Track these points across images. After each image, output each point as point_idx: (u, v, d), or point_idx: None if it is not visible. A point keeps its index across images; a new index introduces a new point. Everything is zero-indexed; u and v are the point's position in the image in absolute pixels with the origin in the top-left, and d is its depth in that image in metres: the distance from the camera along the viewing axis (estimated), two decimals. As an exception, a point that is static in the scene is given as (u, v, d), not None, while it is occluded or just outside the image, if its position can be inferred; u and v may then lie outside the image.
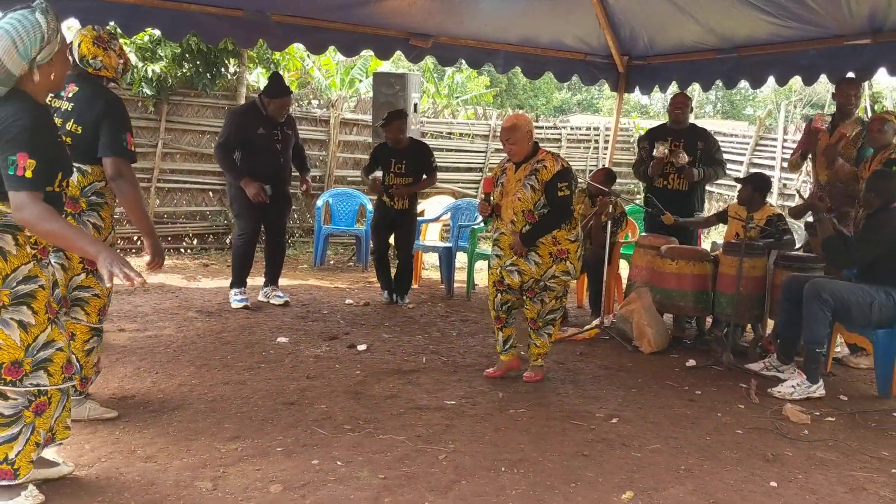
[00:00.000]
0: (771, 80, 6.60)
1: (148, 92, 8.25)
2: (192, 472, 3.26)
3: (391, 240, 6.92)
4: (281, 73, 9.22)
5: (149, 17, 6.44)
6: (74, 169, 3.54)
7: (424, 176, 6.76)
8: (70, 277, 3.63)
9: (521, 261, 4.57)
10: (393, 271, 6.98)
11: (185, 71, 8.51)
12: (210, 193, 9.13)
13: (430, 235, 8.26)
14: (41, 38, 2.67)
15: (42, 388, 2.83)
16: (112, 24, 6.62)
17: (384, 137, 6.69)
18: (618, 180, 7.12)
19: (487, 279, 4.79)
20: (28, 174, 2.61)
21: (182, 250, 8.99)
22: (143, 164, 8.69)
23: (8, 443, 2.79)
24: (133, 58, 7.98)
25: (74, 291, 3.63)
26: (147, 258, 3.76)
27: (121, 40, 3.81)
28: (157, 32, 7.69)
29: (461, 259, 7.81)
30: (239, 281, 6.40)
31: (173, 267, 8.02)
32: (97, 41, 3.76)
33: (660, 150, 6.24)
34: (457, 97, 14.99)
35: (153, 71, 8.05)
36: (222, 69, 8.80)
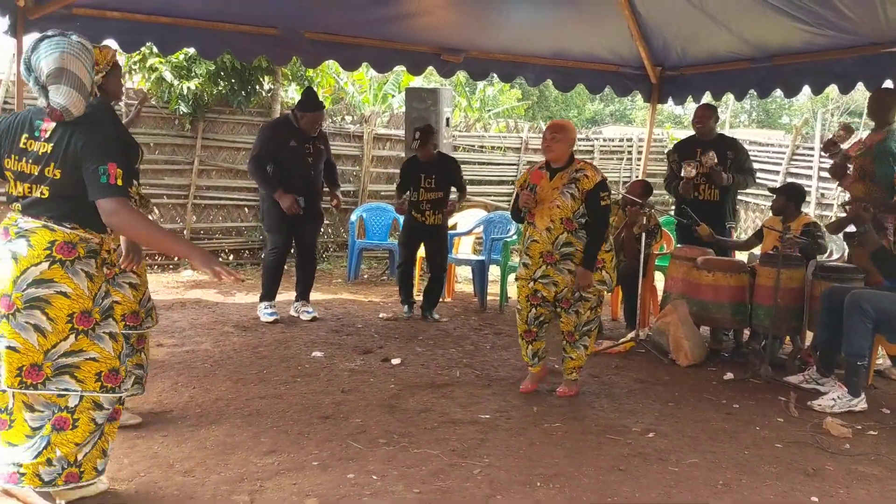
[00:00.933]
0: (806, 88, 6.53)
1: (184, 110, 8.38)
2: (229, 486, 3.29)
3: (420, 254, 6.92)
4: (314, 88, 9.34)
5: (184, 37, 6.56)
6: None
7: (455, 191, 6.78)
8: (142, 293, 3.90)
9: (554, 271, 4.52)
10: (422, 285, 6.98)
11: (220, 88, 8.64)
12: (245, 209, 9.24)
13: (463, 248, 8.27)
14: (92, 57, 2.97)
15: (119, 396, 3.05)
16: (149, 43, 6.77)
17: (416, 152, 6.70)
18: (653, 191, 7.07)
19: (518, 293, 4.71)
20: (119, 182, 2.85)
21: (218, 265, 9.08)
22: (179, 181, 8.83)
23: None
24: (169, 76, 8.12)
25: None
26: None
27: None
28: (192, 51, 7.82)
29: (494, 272, 7.81)
30: (268, 294, 6.46)
31: (209, 282, 8.11)
32: None
33: (687, 171, 6.16)
34: (488, 110, 15.02)
35: (188, 89, 8.18)
36: (257, 86, 8.92)
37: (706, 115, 6.45)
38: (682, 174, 6.21)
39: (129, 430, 3.82)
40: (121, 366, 3.01)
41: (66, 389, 2.90)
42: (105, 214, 2.85)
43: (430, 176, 6.58)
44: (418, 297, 7.01)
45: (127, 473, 3.36)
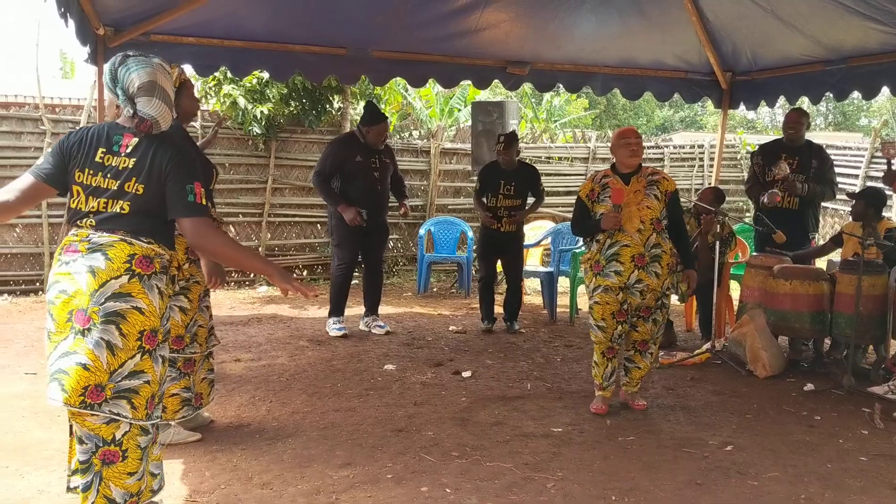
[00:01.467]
0: (885, 90, 6.31)
1: (257, 131, 8.61)
2: (306, 498, 3.35)
3: (499, 266, 6.94)
4: (381, 105, 9.47)
5: (257, 59, 6.75)
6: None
7: (531, 199, 6.78)
8: (191, 318, 3.91)
9: (645, 274, 4.43)
10: (500, 297, 6.99)
11: (291, 109, 8.84)
12: (318, 226, 9.41)
13: (531, 260, 8.25)
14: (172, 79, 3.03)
15: (159, 420, 2.94)
16: (223, 67, 6.98)
17: (498, 157, 6.71)
18: (726, 199, 6.93)
19: (599, 310, 4.50)
20: (203, 202, 2.89)
21: (292, 281, 9.27)
22: (253, 200, 9.05)
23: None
24: (242, 101, 8.34)
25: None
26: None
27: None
28: (266, 75, 8.02)
29: (563, 284, 7.76)
30: (336, 310, 6.55)
31: (283, 297, 8.29)
32: None
33: (781, 168, 5.99)
34: (555, 121, 14.96)
35: (262, 112, 8.40)
36: (327, 106, 9.09)
37: (800, 122, 6.25)
38: (764, 200, 6.04)
39: (211, 444, 3.94)
40: (159, 392, 2.89)
41: (118, 415, 2.72)
42: (190, 233, 2.86)
43: (509, 183, 6.61)
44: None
45: (208, 486, 3.46)
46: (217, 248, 2.97)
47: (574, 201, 4.85)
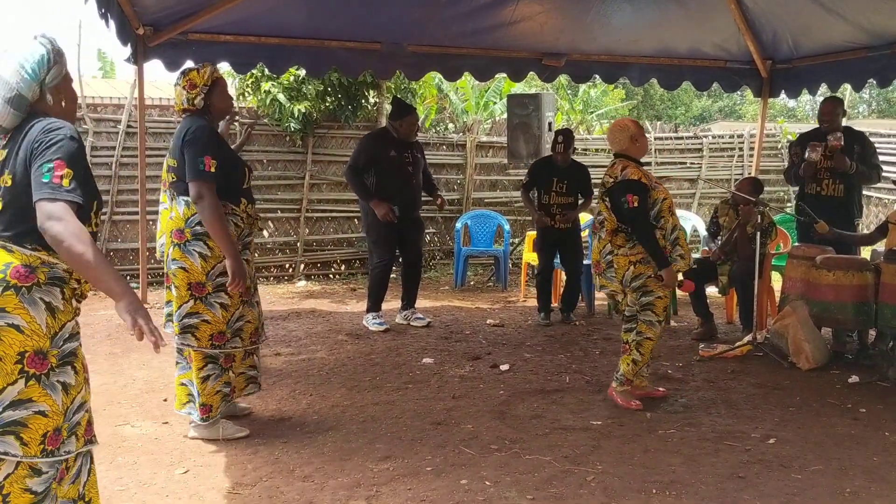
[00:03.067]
0: (931, 75, 6.18)
1: (295, 127, 8.67)
2: (347, 490, 3.39)
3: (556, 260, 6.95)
4: (415, 99, 9.49)
5: (292, 56, 6.81)
6: (182, 201, 3.85)
7: (582, 197, 6.80)
8: (231, 314, 3.92)
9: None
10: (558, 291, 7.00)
11: (328, 105, 8.89)
12: (355, 221, 9.46)
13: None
14: (47, 62, 2.45)
15: (69, 455, 2.45)
16: (259, 64, 7.05)
17: (556, 155, 6.69)
18: (766, 188, 6.82)
19: (660, 304, 4.45)
20: (67, 183, 2.32)
21: (331, 276, 9.35)
22: (291, 195, 9.13)
23: None
24: (282, 97, 8.41)
25: (184, 319, 3.85)
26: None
27: (193, 73, 3.91)
28: (302, 73, 8.08)
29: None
30: (375, 306, 6.59)
31: (322, 292, 8.36)
32: (174, 84, 4.02)
33: (811, 155, 5.87)
34: (591, 112, 14.84)
35: (299, 111, 8.46)
36: (362, 101, 9.13)
37: (834, 112, 6.09)
38: (806, 156, 5.91)
39: (253, 437, 3.99)
40: (64, 424, 2.41)
41: (4, 453, 2.31)
42: (39, 218, 2.30)
43: (562, 181, 6.63)
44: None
45: (250, 479, 3.51)
46: (65, 247, 2.28)
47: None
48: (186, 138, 3.80)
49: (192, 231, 3.80)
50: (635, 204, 4.31)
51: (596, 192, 5.42)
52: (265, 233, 9.06)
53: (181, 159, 3.82)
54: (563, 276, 7.20)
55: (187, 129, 3.83)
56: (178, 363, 4.02)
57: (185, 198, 3.82)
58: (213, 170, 3.74)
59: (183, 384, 4.01)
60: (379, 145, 6.37)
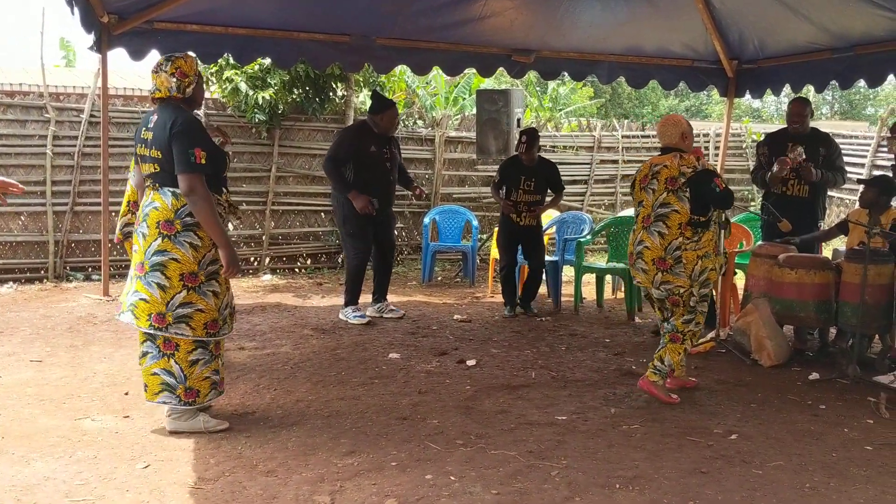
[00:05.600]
0: (891, 78, 6.28)
1: (260, 118, 8.59)
2: (310, 486, 3.36)
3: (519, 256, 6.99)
4: (384, 93, 9.45)
5: (260, 47, 6.74)
6: (169, 192, 3.80)
7: (551, 193, 6.86)
8: (222, 301, 3.96)
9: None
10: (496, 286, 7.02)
11: (294, 97, 8.82)
12: (322, 214, 9.41)
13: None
14: None
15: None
16: (226, 55, 6.97)
17: (521, 155, 6.73)
18: (731, 188, 6.86)
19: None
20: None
21: (296, 270, 9.28)
22: (257, 188, 9.05)
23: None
24: (244, 86, 8.32)
25: (178, 309, 3.81)
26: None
27: (181, 62, 3.88)
28: (268, 61, 8.00)
29: (567, 272, 7.75)
30: (354, 299, 6.57)
31: (288, 286, 8.29)
32: (154, 68, 3.93)
33: (778, 168, 5.90)
34: (560, 109, 14.92)
35: (263, 98, 8.37)
36: (330, 94, 9.07)
37: (804, 113, 6.13)
38: (774, 169, 5.96)
39: (216, 431, 3.94)
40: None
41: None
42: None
43: (530, 179, 6.68)
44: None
45: (213, 473, 3.46)
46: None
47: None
48: (175, 130, 3.74)
49: (182, 222, 3.79)
50: (724, 185, 4.50)
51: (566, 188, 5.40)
52: (230, 225, 8.96)
53: (168, 150, 3.76)
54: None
55: (174, 121, 3.77)
56: (146, 353, 3.90)
57: (172, 189, 3.80)
58: (203, 161, 3.76)
59: (155, 373, 3.89)
60: (360, 140, 6.34)
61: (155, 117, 3.85)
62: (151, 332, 3.79)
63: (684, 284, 4.47)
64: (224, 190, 4.05)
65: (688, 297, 4.52)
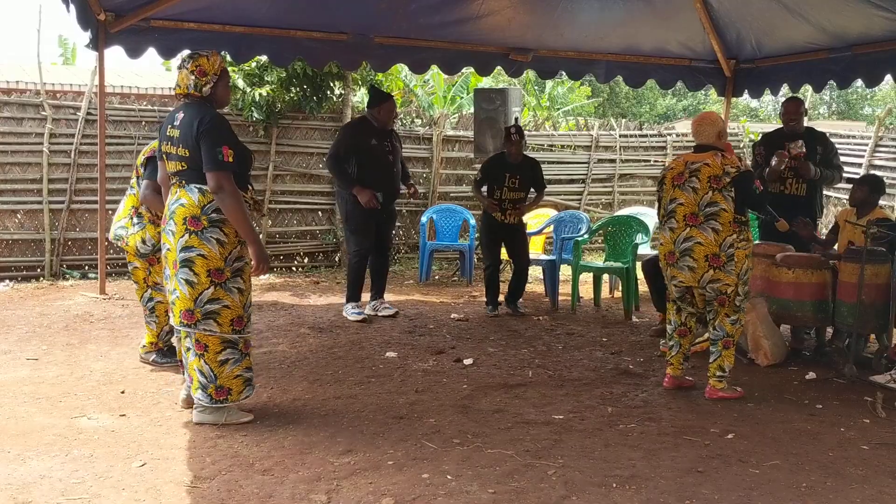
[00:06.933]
0: (888, 78, 6.29)
1: (257, 116, 8.57)
2: (307, 484, 3.35)
3: (503, 254, 6.98)
4: (376, 85, 9.44)
5: (258, 45, 6.73)
6: (195, 189, 3.81)
7: (534, 191, 6.83)
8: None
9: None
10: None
11: (292, 95, 8.80)
12: (319, 213, 9.39)
13: (533, 248, 8.23)
14: None
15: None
16: (223, 52, 6.95)
17: (506, 151, 6.72)
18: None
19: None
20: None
21: (293, 269, 9.27)
22: (255, 186, 9.01)
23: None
24: (241, 83, 8.30)
25: (206, 305, 3.86)
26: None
27: (203, 60, 3.90)
28: (264, 58, 7.98)
29: (564, 272, 7.75)
30: (355, 296, 6.57)
31: (285, 285, 8.29)
32: (179, 63, 3.97)
33: (777, 161, 5.89)
34: (558, 108, 14.92)
35: (260, 95, 8.35)
36: (328, 92, 9.05)
37: (798, 111, 6.16)
38: (772, 163, 5.95)
39: (211, 429, 3.94)
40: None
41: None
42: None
43: (514, 176, 6.66)
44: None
45: (209, 472, 3.46)
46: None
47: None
48: (202, 128, 3.76)
49: (209, 218, 3.82)
50: (762, 187, 4.57)
51: (564, 187, 5.39)
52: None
53: (195, 148, 3.77)
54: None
55: (201, 119, 3.78)
56: (188, 349, 3.97)
57: (199, 185, 3.83)
58: (231, 160, 3.80)
59: (195, 369, 3.97)
60: (359, 134, 6.34)
61: (181, 115, 3.85)
62: (181, 328, 3.87)
63: (732, 283, 4.47)
64: (249, 187, 4.08)
65: (734, 296, 4.53)
